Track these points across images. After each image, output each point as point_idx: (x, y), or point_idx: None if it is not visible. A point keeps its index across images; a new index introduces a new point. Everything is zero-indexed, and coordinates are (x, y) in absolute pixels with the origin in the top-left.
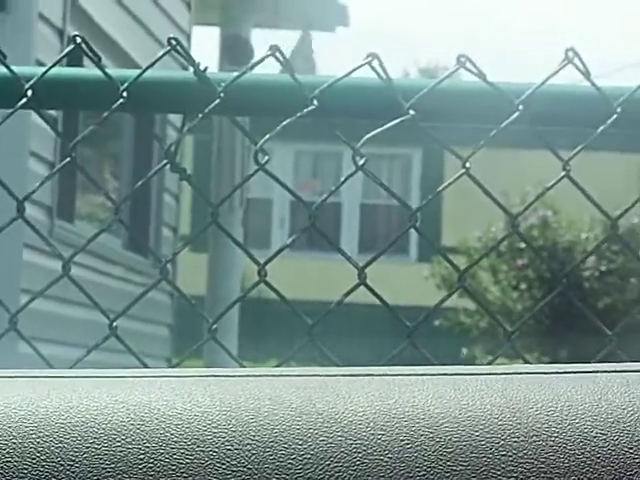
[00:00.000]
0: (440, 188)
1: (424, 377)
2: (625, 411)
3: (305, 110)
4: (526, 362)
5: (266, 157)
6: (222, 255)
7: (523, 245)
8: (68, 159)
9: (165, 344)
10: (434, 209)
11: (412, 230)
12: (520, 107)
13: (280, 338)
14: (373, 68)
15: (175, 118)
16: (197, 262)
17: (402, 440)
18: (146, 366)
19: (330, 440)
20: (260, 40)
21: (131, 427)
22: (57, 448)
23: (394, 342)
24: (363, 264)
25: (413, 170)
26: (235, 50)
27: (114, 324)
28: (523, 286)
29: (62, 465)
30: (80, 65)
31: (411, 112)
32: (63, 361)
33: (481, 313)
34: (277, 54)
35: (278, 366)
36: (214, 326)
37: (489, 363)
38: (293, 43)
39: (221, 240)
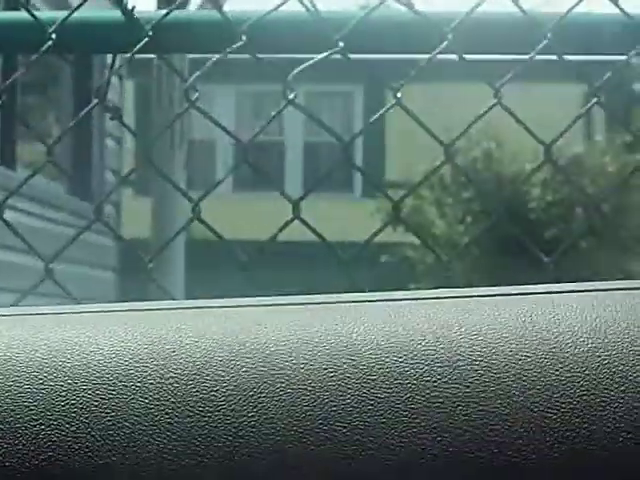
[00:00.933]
0: (371, 120)
1: (347, 304)
2: (549, 332)
3: (234, 46)
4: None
5: (196, 94)
6: (166, 198)
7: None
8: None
9: (111, 288)
10: (377, 145)
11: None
12: (449, 36)
13: (224, 279)
14: (301, 1)
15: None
16: (143, 206)
17: (325, 369)
18: None
19: (252, 371)
20: None
21: (53, 363)
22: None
23: (333, 278)
24: (296, 199)
25: (355, 107)
26: None
27: (50, 266)
28: (469, 219)
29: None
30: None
31: (340, 44)
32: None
33: (426, 247)
34: None
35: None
36: (150, 265)
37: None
38: None
39: (165, 183)
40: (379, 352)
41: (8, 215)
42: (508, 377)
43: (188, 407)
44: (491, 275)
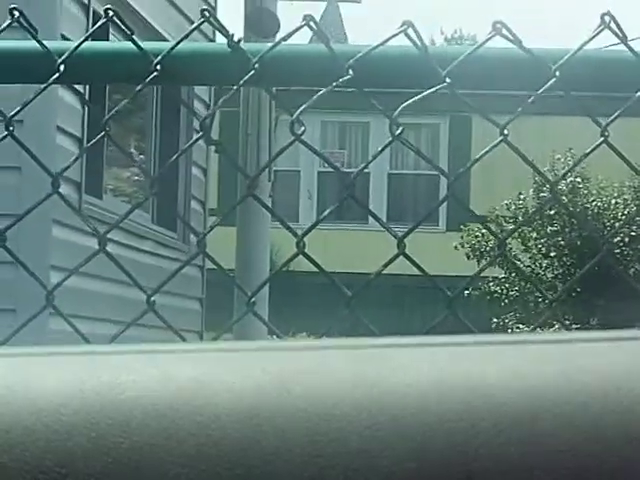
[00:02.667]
0: (479, 155)
1: (469, 347)
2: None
3: (341, 80)
4: (566, 329)
5: (302, 128)
6: (251, 229)
7: (553, 212)
8: (103, 133)
9: (196, 318)
10: (462, 179)
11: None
12: (557, 73)
13: (310, 312)
14: (408, 36)
15: (201, 91)
16: (224, 236)
17: (457, 409)
18: (185, 340)
19: (386, 413)
20: (284, 12)
21: (182, 402)
22: (107, 426)
23: (431, 313)
24: (402, 235)
25: (440, 140)
26: (260, 22)
27: (152, 299)
28: (553, 253)
29: (113, 443)
30: (106, 40)
31: (447, 80)
32: (97, 337)
33: (511, 282)
34: (311, 23)
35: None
36: (252, 299)
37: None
38: (318, 14)
39: (250, 214)
40: (511, 395)
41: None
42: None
43: (318, 447)
44: (577, 312)
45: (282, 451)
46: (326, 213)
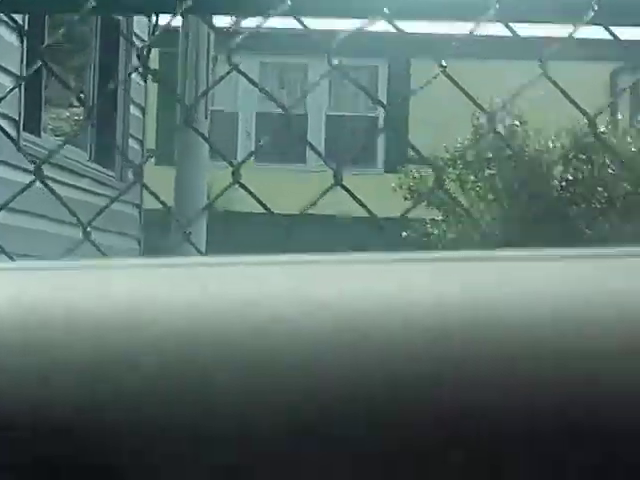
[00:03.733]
0: (421, 85)
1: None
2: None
3: (279, 8)
4: None
5: (239, 58)
6: (189, 168)
7: (491, 155)
8: (40, 63)
9: (133, 256)
10: (401, 121)
11: (379, 140)
12: (496, 5)
13: (248, 251)
14: None
15: (141, 29)
16: (161, 176)
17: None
18: None
19: (325, 327)
20: None
21: (115, 318)
22: (38, 340)
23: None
24: (338, 166)
25: (379, 82)
26: None
27: (88, 229)
28: (491, 196)
29: (45, 359)
30: None
31: (385, 10)
32: None
33: (449, 223)
34: None
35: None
36: (189, 230)
37: None
38: None
39: (187, 153)
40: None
41: (36, 183)
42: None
43: (254, 363)
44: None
45: (219, 370)
46: (261, 142)
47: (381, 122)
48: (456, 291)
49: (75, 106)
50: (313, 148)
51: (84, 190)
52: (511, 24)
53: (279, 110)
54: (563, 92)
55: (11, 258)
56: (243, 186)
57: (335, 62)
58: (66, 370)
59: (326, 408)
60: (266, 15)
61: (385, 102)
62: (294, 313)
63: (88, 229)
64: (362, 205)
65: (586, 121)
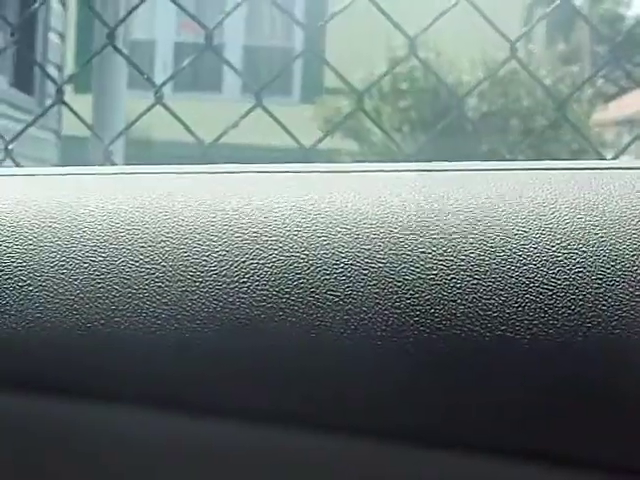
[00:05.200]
0: (339, 9)
1: (341, 174)
2: (547, 208)
3: None
4: None
5: None
6: (107, 95)
7: (406, 87)
8: None
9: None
10: (316, 50)
11: (295, 71)
12: None
13: None
14: None
15: None
16: (81, 104)
17: (319, 236)
18: None
19: (245, 236)
20: None
21: (41, 223)
22: None
23: None
24: (258, 89)
25: (295, 7)
26: None
27: (10, 147)
28: (406, 128)
29: None
30: None
31: None
32: None
33: (364, 154)
34: None
35: None
36: (110, 148)
37: None
38: None
39: (106, 79)
40: (373, 222)
41: None
42: (503, 251)
43: (179, 272)
44: None
45: (145, 276)
46: (184, 64)
47: (297, 52)
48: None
49: None
50: (235, 70)
51: (3, 115)
52: None
53: (197, 40)
54: (485, 17)
55: None
56: (165, 106)
57: None
58: None
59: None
60: None
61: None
62: (217, 222)
63: (10, 147)
64: (284, 128)
65: (500, 52)
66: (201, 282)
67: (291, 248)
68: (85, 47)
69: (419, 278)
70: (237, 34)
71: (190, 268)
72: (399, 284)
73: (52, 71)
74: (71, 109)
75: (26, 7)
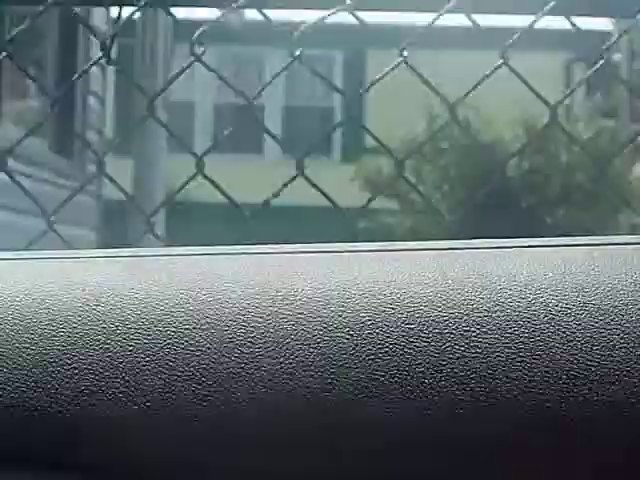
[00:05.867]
0: (379, 76)
1: (380, 253)
2: (589, 284)
3: (240, 0)
4: None
5: (202, 48)
6: (147, 159)
7: (446, 146)
8: (4, 54)
9: (91, 247)
10: (356, 111)
11: (336, 131)
12: None
13: (208, 242)
14: None
15: (100, 21)
16: (120, 167)
17: (363, 316)
18: None
19: (290, 318)
20: None
21: (87, 307)
22: (12, 330)
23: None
24: (300, 157)
25: (334, 72)
26: None
27: (51, 218)
28: (446, 187)
29: (17, 347)
30: None
31: (348, 1)
32: None
33: (406, 213)
34: None
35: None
36: (152, 218)
37: None
38: None
39: (146, 144)
40: (418, 300)
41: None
42: (548, 328)
43: (224, 354)
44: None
45: (191, 358)
46: (225, 133)
47: (337, 113)
48: (436, 280)
49: (33, 96)
50: (274, 137)
51: (45, 181)
52: (472, 15)
53: (236, 101)
54: (524, 82)
55: None
56: (207, 177)
57: (297, 53)
58: (36, 358)
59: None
60: (228, 8)
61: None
62: (261, 303)
63: (52, 218)
64: (324, 195)
65: (542, 110)
66: (246, 363)
67: (335, 328)
68: (125, 110)
69: (463, 355)
70: (277, 95)
71: (235, 350)
72: (444, 362)
73: (92, 135)
74: (111, 179)
75: (65, 71)
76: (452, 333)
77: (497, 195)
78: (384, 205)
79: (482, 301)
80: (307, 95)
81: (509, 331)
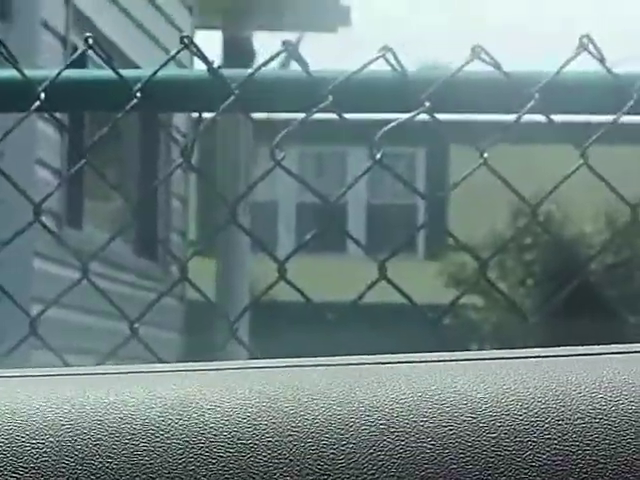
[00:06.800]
0: (463, 176)
1: (465, 362)
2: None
3: (321, 105)
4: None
5: (282, 154)
6: (231, 260)
7: (529, 241)
8: (84, 161)
9: (175, 348)
10: (440, 208)
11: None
12: (536, 95)
13: (291, 343)
14: (387, 61)
15: (179, 122)
16: (203, 267)
17: (445, 427)
18: None
19: (373, 429)
20: (262, 43)
21: (169, 421)
22: (95, 445)
23: (412, 340)
24: (382, 259)
25: (417, 169)
26: (238, 53)
27: (135, 325)
28: (530, 282)
29: (100, 462)
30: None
31: (427, 104)
32: None
33: (490, 309)
34: (289, 48)
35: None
36: (235, 325)
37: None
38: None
39: (230, 245)
40: (499, 410)
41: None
42: (628, 435)
43: (307, 466)
44: (554, 336)
45: (272, 471)
46: (308, 237)
47: (419, 208)
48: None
49: (114, 198)
50: (356, 241)
51: (129, 284)
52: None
53: (318, 199)
54: (604, 181)
55: (61, 357)
56: (289, 282)
57: (378, 155)
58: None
59: None
60: (308, 113)
61: (424, 189)
62: (343, 415)
63: (135, 325)
64: (406, 297)
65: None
66: (332, 471)
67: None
68: (207, 210)
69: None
70: (360, 193)
71: (318, 462)
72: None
73: (175, 237)
74: (195, 286)
75: (147, 173)
76: (533, 443)
77: (581, 290)
78: (469, 301)
79: (564, 411)
80: (390, 191)
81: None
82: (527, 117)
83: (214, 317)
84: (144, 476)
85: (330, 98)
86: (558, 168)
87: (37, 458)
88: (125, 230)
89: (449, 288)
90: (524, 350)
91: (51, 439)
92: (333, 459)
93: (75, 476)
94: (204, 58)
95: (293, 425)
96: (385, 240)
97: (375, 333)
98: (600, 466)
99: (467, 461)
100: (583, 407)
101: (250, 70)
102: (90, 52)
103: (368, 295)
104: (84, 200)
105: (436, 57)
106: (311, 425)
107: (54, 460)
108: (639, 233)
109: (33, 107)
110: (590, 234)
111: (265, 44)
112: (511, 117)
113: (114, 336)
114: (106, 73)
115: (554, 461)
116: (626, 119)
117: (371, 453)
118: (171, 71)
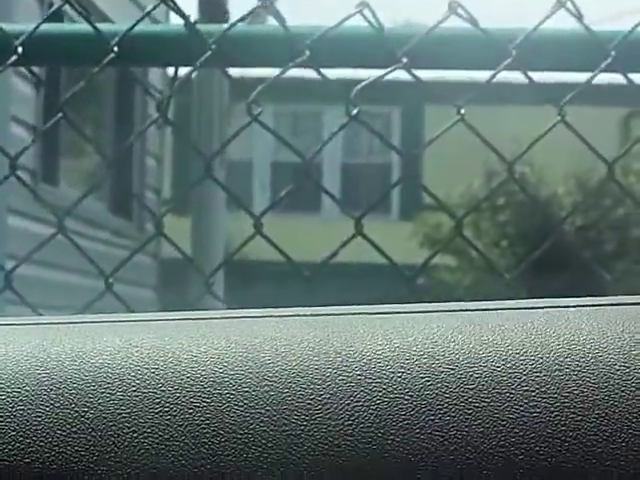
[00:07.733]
0: (439, 132)
1: (443, 313)
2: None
3: (298, 60)
4: None
5: (259, 109)
6: (206, 218)
7: (503, 202)
8: (60, 115)
9: (151, 306)
10: (415, 166)
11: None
12: (513, 52)
13: (266, 301)
14: (365, 17)
15: (155, 79)
16: (178, 226)
17: (422, 377)
18: None
19: (350, 379)
20: (236, 5)
21: (145, 371)
22: (70, 394)
23: (387, 300)
24: (358, 215)
25: (393, 129)
26: (212, 9)
27: (110, 280)
28: (504, 243)
29: (76, 411)
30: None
31: (404, 60)
32: None
33: (464, 270)
34: (266, 3)
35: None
36: (211, 279)
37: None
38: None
39: (205, 202)
40: (476, 361)
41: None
42: (607, 387)
43: (284, 416)
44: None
45: (249, 421)
46: (283, 194)
47: (395, 168)
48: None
49: (89, 156)
50: (331, 196)
51: (103, 241)
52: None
53: (294, 159)
54: (582, 139)
55: (37, 312)
56: (265, 237)
57: (354, 112)
58: (86, 423)
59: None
60: (285, 67)
61: (400, 149)
62: (320, 365)
63: (110, 280)
64: (383, 254)
65: (592, 161)
66: (306, 423)
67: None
68: (182, 168)
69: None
70: (335, 151)
71: (295, 412)
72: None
73: (150, 195)
74: (171, 241)
75: (122, 130)
76: (511, 393)
77: (554, 250)
78: (442, 261)
79: (543, 362)
80: (366, 151)
81: (573, 391)
82: (504, 76)
83: (189, 274)
84: (120, 425)
85: (307, 53)
86: (534, 130)
87: (13, 407)
88: (100, 185)
89: (423, 249)
90: (503, 302)
91: (27, 387)
92: (309, 409)
93: (50, 424)
94: (181, 13)
95: (270, 375)
96: (360, 199)
97: (350, 292)
98: (578, 417)
99: (444, 412)
100: (562, 358)
101: (227, 25)
102: (67, 7)
103: (343, 254)
104: (60, 157)
105: (409, 17)
106: (288, 375)
107: (29, 409)
108: (613, 192)
109: (10, 60)
110: (561, 195)
111: (239, 6)
112: (488, 74)
113: (90, 293)
114: (83, 27)
115: (532, 412)
116: (602, 79)
117: (348, 403)
118: (147, 26)
